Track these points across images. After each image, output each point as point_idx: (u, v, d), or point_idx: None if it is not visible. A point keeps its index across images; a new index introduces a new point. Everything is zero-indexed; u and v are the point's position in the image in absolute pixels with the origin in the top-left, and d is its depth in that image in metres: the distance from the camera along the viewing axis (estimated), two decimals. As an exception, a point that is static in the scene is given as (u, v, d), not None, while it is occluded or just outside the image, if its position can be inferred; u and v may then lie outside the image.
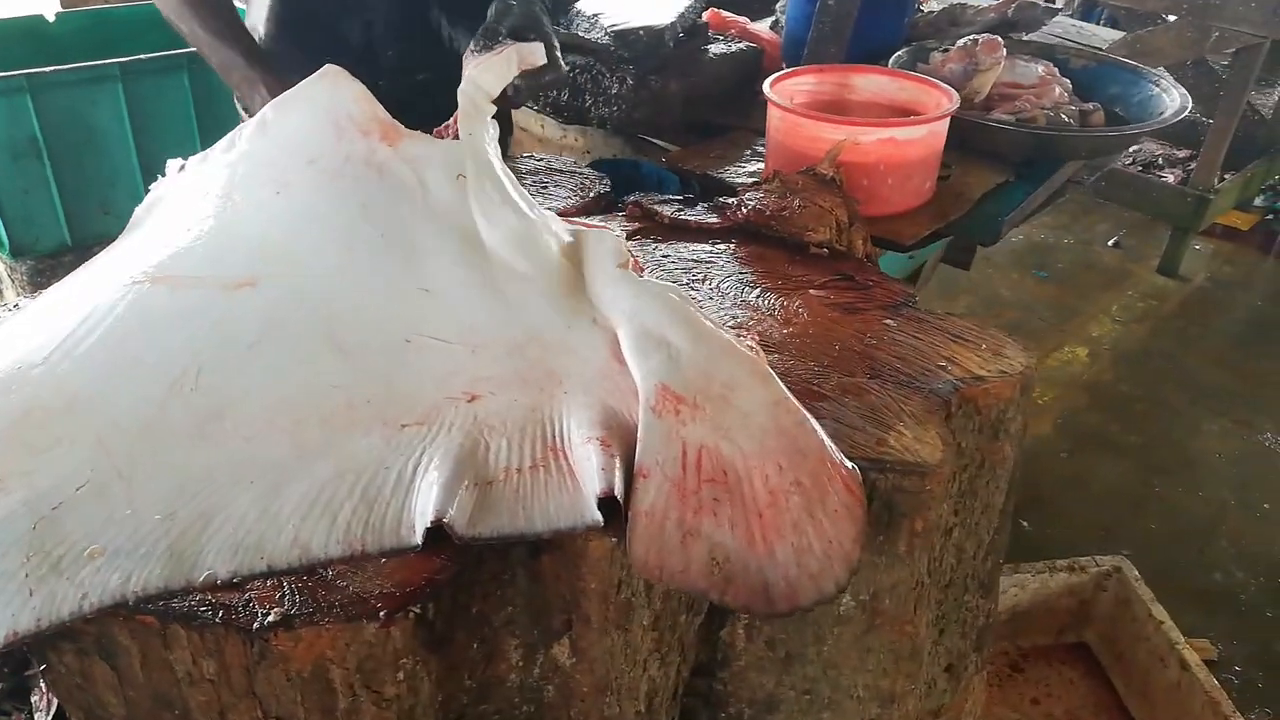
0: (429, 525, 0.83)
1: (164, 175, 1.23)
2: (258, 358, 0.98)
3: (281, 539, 0.85)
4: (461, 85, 1.15)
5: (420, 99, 1.37)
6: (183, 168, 1.20)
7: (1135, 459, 2.82)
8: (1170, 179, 3.78)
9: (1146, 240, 3.99)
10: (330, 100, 1.10)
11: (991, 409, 1.09)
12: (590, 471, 0.88)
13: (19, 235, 2.30)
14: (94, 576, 0.82)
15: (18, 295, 2.43)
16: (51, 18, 2.60)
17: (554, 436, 0.94)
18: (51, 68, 2.18)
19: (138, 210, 1.23)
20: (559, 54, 1.25)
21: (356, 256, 1.02)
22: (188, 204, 1.13)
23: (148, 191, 1.22)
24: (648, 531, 0.84)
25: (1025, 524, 2.55)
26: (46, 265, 2.37)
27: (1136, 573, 2.09)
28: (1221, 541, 2.54)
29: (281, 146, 1.10)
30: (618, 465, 0.88)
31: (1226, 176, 3.65)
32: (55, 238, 2.35)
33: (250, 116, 1.23)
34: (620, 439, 0.92)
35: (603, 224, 1.20)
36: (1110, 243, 4.00)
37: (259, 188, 1.09)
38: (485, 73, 1.16)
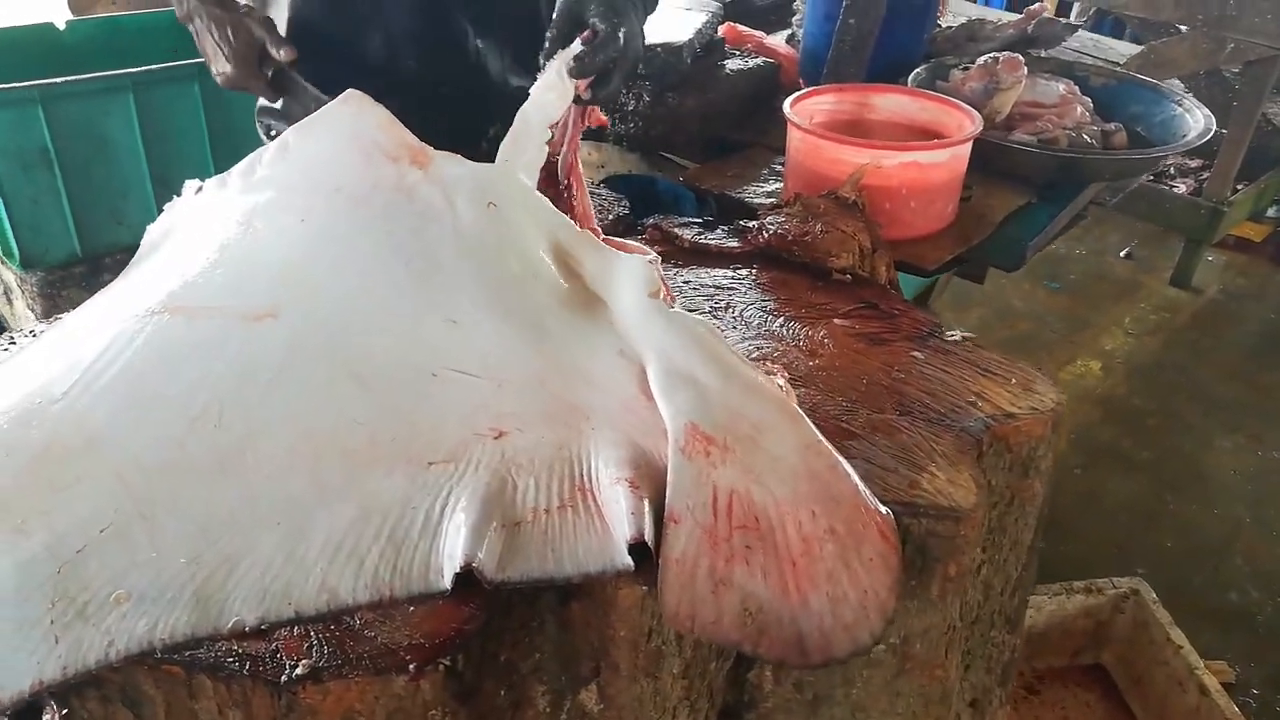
0: (458, 570, 0.81)
1: (179, 195, 1.21)
2: (279, 392, 0.96)
3: (309, 584, 0.83)
4: (524, 105, 1.11)
5: (442, 112, 1.34)
6: (200, 189, 1.19)
7: (1148, 474, 2.80)
8: (1183, 189, 3.75)
9: (1158, 251, 3.97)
10: (354, 126, 1.08)
11: (1022, 446, 1.08)
12: (619, 515, 0.86)
13: (29, 246, 2.28)
14: (120, 623, 0.80)
15: (28, 306, 2.41)
16: (62, 25, 2.59)
17: (581, 475, 0.92)
18: (63, 79, 2.16)
19: (152, 228, 1.21)
20: (620, 33, 1.13)
21: (381, 286, 1.01)
22: (207, 229, 1.11)
23: (158, 203, 1.20)
24: (679, 580, 0.83)
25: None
26: (57, 276, 2.35)
27: (1154, 595, 2.07)
28: (1236, 560, 2.52)
29: (304, 172, 1.08)
30: (647, 509, 0.86)
31: (1240, 187, 3.63)
32: (66, 248, 2.33)
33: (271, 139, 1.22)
34: (649, 480, 0.90)
35: (640, 245, 1.17)
36: (1122, 253, 3.98)
37: (281, 214, 1.07)
38: (548, 91, 1.12)
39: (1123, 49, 2.62)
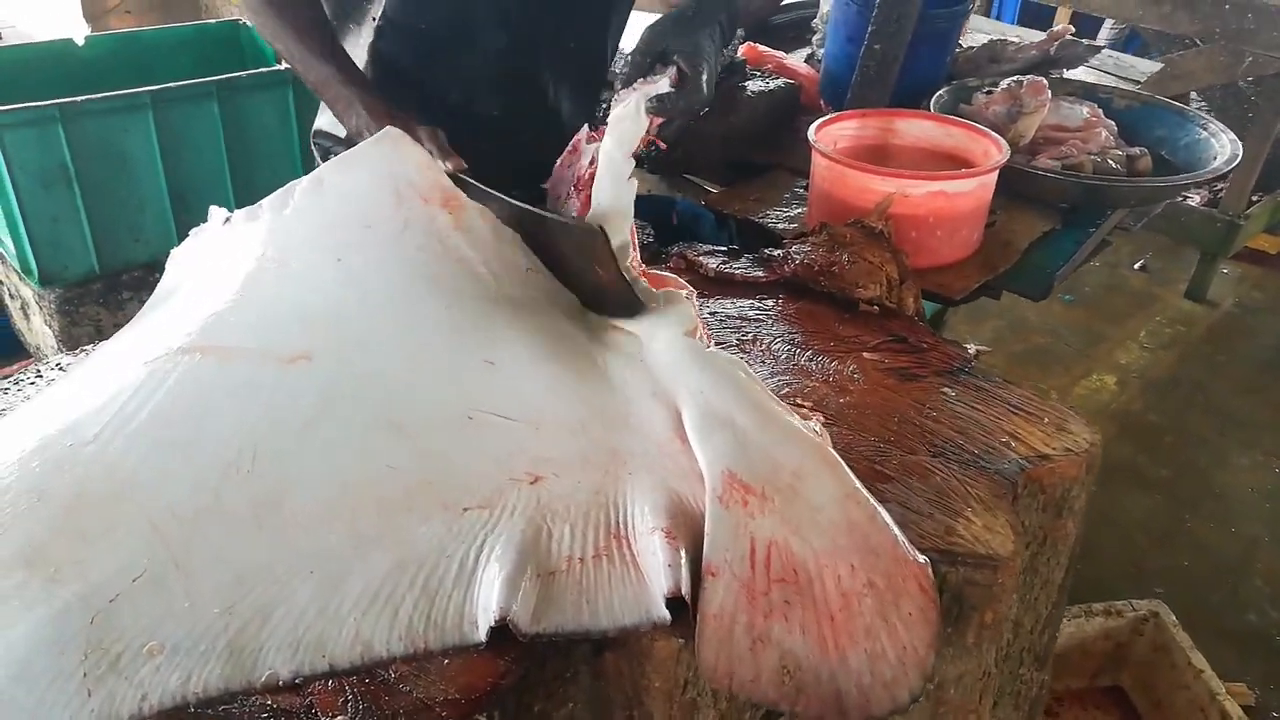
0: (493, 623, 0.81)
1: (203, 219, 1.20)
2: (313, 438, 0.96)
3: (343, 636, 0.83)
4: (604, 142, 1.11)
5: (516, 151, 1.35)
6: (228, 219, 1.18)
7: (1165, 493, 2.79)
8: (1197, 201, 3.74)
9: (1173, 263, 3.95)
10: (391, 165, 1.08)
11: (1056, 488, 1.07)
12: (656, 566, 0.86)
13: (48, 263, 2.29)
14: (153, 676, 0.80)
15: (45, 323, 2.41)
16: (81, 41, 2.59)
17: (617, 523, 0.91)
18: (83, 97, 2.17)
19: (176, 254, 1.20)
20: (703, 80, 1.15)
21: (417, 329, 1.00)
22: (240, 264, 1.11)
23: (177, 220, 1.19)
24: (716, 636, 0.82)
25: (1056, 560, 2.52)
26: (75, 293, 2.35)
27: (1174, 618, 2.06)
28: (1255, 580, 2.50)
29: (338, 209, 1.08)
30: (684, 561, 0.86)
31: (1256, 200, 3.61)
32: (84, 265, 2.33)
33: (350, 134, 1.21)
34: (685, 528, 0.90)
35: (677, 279, 1.16)
36: (1136, 266, 3.96)
37: (315, 252, 1.07)
38: (625, 122, 1.10)
39: (1144, 67, 2.61)
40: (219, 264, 1.11)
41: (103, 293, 2.36)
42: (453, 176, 1.12)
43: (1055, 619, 1.20)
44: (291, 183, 1.12)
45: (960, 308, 2.93)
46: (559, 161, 1.29)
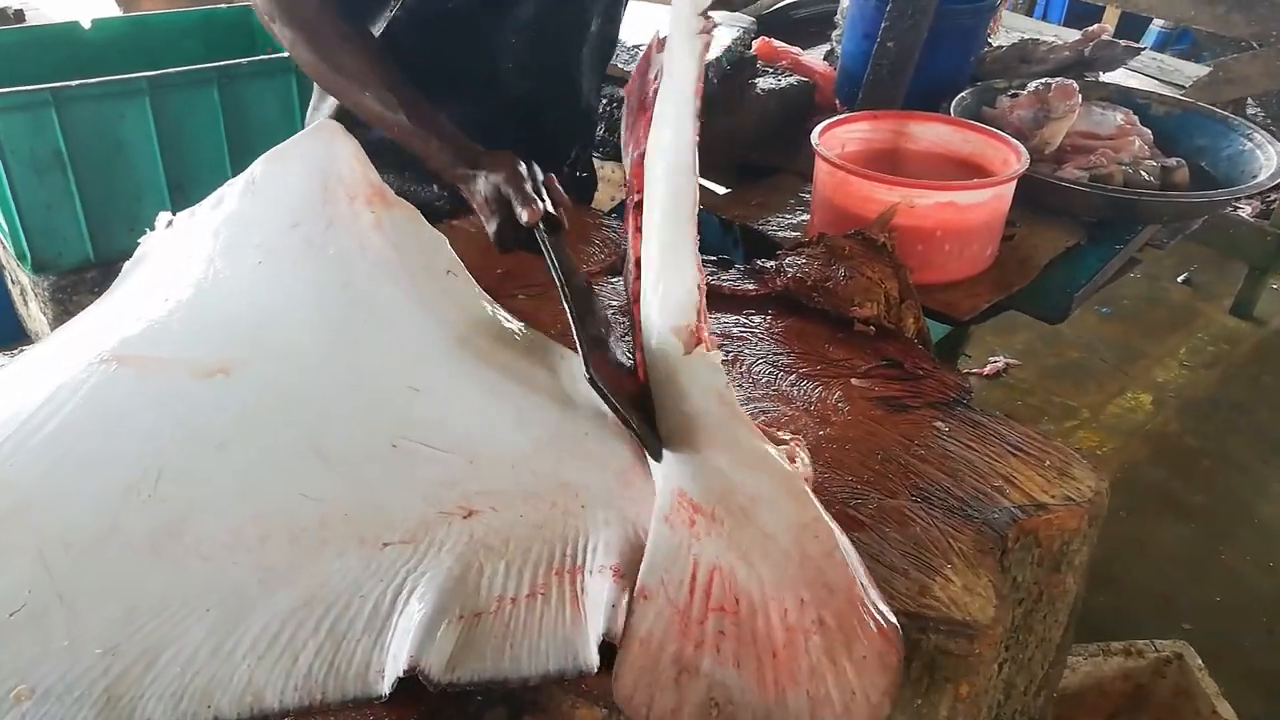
0: (401, 673, 0.73)
1: (151, 229, 1.14)
2: (225, 461, 0.88)
3: (234, 683, 0.75)
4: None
5: (536, 132, 1.33)
6: (170, 223, 1.11)
7: (1199, 521, 2.64)
8: (1247, 213, 3.56)
9: (1219, 278, 3.76)
10: (322, 159, 1.00)
11: (1054, 541, 0.96)
12: (597, 606, 0.78)
13: (41, 250, 2.24)
14: (15, 725, 0.73)
15: (40, 310, 2.38)
16: (88, 24, 2.55)
17: (562, 559, 0.83)
18: (77, 81, 2.12)
19: (126, 265, 1.15)
20: None
21: (336, 344, 0.92)
22: (169, 268, 1.04)
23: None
24: (639, 661, 0.74)
25: (1077, 589, 2.38)
26: (69, 281, 2.31)
27: (1199, 661, 1.92)
28: (1293, 621, 2.35)
29: (267, 208, 1.00)
30: (626, 601, 0.77)
31: (1309, 213, 3.43)
32: (79, 253, 2.29)
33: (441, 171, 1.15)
34: (635, 564, 0.81)
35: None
36: (1180, 279, 3.78)
37: (240, 254, 0.99)
38: None
39: (1189, 70, 2.46)
40: (153, 268, 1.04)
41: (97, 281, 2.32)
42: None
43: (1054, 678, 1.09)
44: (230, 180, 1.04)
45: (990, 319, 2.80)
46: (634, 70, 1.19)
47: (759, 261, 1.36)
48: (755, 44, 1.97)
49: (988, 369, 3.11)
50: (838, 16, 2.16)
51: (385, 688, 0.74)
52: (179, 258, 1.03)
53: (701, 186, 1.95)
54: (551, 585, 0.81)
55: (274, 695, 0.74)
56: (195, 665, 0.76)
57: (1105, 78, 2.11)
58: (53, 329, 2.30)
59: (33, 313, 2.47)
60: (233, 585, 0.81)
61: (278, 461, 0.88)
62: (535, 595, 0.81)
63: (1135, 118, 1.75)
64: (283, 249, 0.94)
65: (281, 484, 0.87)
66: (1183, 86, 2.23)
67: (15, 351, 1.16)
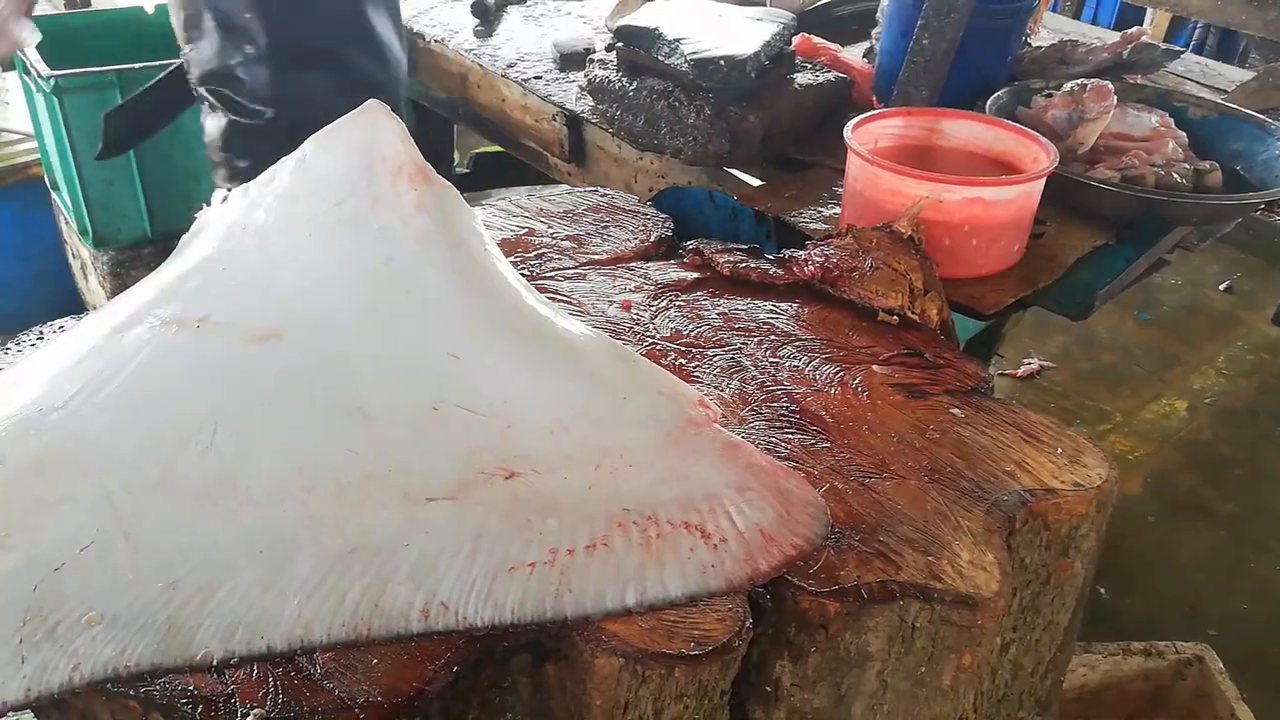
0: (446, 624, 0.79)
1: (208, 203, 1.21)
2: (275, 417, 0.94)
3: (285, 617, 0.81)
4: None
5: None
6: (226, 198, 1.18)
7: (1230, 530, 2.62)
8: (1294, 222, 3.51)
9: (1263, 286, 3.72)
10: (368, 139, 1.06)
11: (1062, 525, 0.99)
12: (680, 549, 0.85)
13: (102, 226, 2.34)
14: (89, 646, 0.79)
15: (99, 283, 2.48)
16: (151, 10, 2.64)
17: (624, 512, 0.88)
18: (140, 64, 2.21)
19: (184, 237, 1.21)
20: None
21: (379, 313, 0.98)
22: (225, 239, 1.10)
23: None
24: None
25: (1102, 591, 2.39)
26: (126, 256, 2.41)
27: (1221, 665, 1.92)
28: (1321, 632, 2.34)
29: (315, 185, 1.06)
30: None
31: (1358, 224, 3.37)
32: (137, 230, 2.38)
33: None
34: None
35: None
36: (1222, 286, 3.74)
37: (291, 228, 1.05)
38: None
39: (1232, 74, 2.44)
40: (209, 241, 1.11)
41: (154, 257, 2.40)
42: None
43: (1061, 662, 1.12)
44: (284, 158, 1.10)
45: (1025, 318, 2.81)
46: None
47: (788, 251, 1.40)
48: (795, 40, 2.00)
49: (1022, 370, 3.11)
50: (878, 14, 2.18)
51: (430, 624, 0.79)
52: (234, 230, 1.09)
53: (736, 179, 2.00)
54: (614, 536, 0.86)
55: (322, 630, 0.80)
56: (249, 600, 0.82)
57: (1144, 80, 2.11)
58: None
59: (92, 286, 2.57)
60: (282, 530, 0.87)
61: (324, 419, 0.94)
62: (595, 546, 0.86)
63: (1170, 120, 1.76)
64: (330, 224, 1.00)
65: (325, 440, 0.93)
66: (1225, 91, 2.22)
67: (79, 318, 1.23)
